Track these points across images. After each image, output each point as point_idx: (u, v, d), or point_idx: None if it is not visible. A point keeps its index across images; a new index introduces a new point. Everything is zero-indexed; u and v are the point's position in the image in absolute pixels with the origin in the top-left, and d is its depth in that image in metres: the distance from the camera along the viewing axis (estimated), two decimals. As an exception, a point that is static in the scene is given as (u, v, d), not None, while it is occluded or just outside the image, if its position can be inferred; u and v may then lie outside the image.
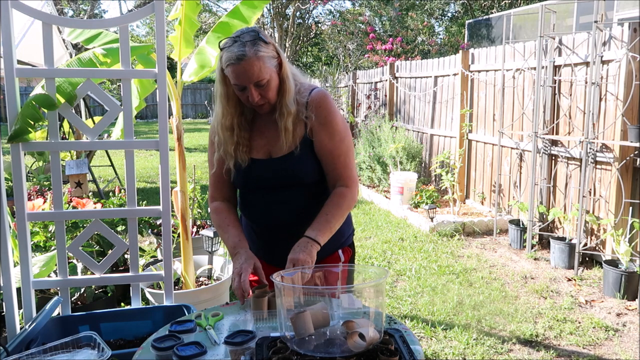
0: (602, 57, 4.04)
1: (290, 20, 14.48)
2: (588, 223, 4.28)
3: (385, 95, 8.45)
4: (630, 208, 3.88)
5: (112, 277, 2.42)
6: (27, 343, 1.83)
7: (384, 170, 7.15)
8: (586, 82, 4.26)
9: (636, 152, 3.92)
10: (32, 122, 2.07)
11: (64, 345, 1.64)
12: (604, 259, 3.99)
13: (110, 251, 2.67)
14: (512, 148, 5.33)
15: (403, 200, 6.23)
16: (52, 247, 3.09)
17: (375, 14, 14.00)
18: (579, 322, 3.34)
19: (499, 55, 5.47)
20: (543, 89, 4.66)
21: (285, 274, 1.43)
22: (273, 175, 1.68)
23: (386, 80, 8.33)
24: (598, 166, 4.21)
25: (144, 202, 4.73)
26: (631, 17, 6.33)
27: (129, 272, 2.31)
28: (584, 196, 4.15)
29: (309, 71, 16.33)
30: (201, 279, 3.45)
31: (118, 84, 13.14)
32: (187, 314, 2.11)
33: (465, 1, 13.58)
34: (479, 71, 5.88)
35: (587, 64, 4.26)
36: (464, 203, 6.28)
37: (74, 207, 3.51)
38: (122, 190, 4.36)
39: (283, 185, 1.68)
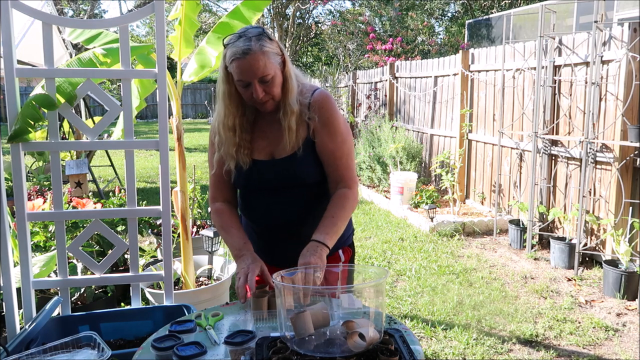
0: (602, 57, 4.04)
1: (290, 20, 14.49)
2: (588, 223, 4.28)
3: (385, 95, 8.45)
4: (630, 208, 3.88)
5: (112, 277, 2.42)
6: (27, 343, 1.83)
7: (384, 170, 7.15)
8: (586, 82, 4.26)
9: (636, 152, 3.92)
10: (32, 122, 2.07)
11: (64, 345, 1.64)
12: (604, 259, 3.99)
13: (110, 251, 2.67)
14: (512, 148, 5.33)
15: (403, 200, 6.23)
16: (52, 247, 3.09)
17: (375, 14, 14.00)
18: (579, 322, 3.34)
19: (499, 55, 5.47)
20: (543, 89, 4.66)
21: (285, 274, 1.42)
22: (275, 177, 1.67)
23: (386, 80, 8.33)
24: (598, 166, 4.21)
25: (144, 202, 4.73)
26: (631, 17, 6.33)
27: (129, 272, 2.31)
28: (584, 196, 4.16)
29: (309, 71, 16.33)
30: (201, 279, 3.45)
31: (118, 84, 13.15)
32: (187, 314, 2.11)
33: (465, 1, 13.58)
34: (479, 71, 5.88)
35: (587, 64, 4.26)
36: (464, 203, 6.28)
37: (74, 207, 3.51)
38: (122, 190, 4.36)
39: (285, 186, 1.68)
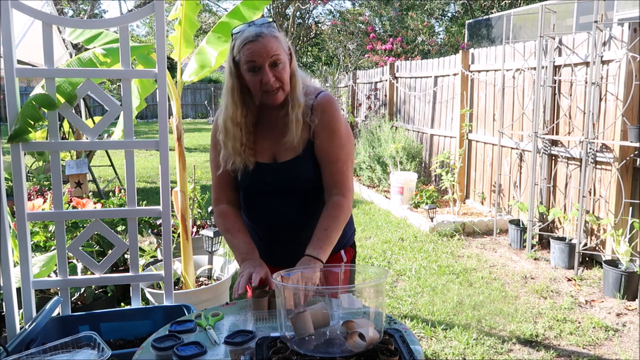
0: (602, 57, 4.04)
1: (290, 20, 14.49)
2: (588, 223, 4.28)
3: (385, 95, 8.45)
4: (630, 208, 3.88)
5: (112, 277, 2.42)
6: (27, 343, 1.83)
7: (384, 170, 7.15)
8: (586, 82, 4.26)
9: (636, 152, 3.92)
10: (32, 122, 2.07)
11: (64, 345, 1.64)
12: (604, 259, 3.99)
13: (110, 251, 2.67)
14: (512, 148, 5.34)
15: (403, 200, 6.23)
16: (52, 247, 3.09)
17: (375, 14, 14.00)
18: (579, 322, 3.34)
19: (499, 55, 5.47)
20: (543, 89, 4.66)
21: (285, 274, 1.42)
22: (277, 180, 1.67)
23: (386, 80, 8.33)
24: (598, 166, 4.21)
25: (144, 202, 4.73)
26: (631, 17, 6.33)
27: (129, 272, 2.31)
28: (584, 196, 4.16)
29: (309, 71, 16.33)
30: (201, 279, 3.45)
31: (118, 84, 13.15)
32: (187, 314, 2.11)
33: (465, 1, 13.59)
34: (479, 71, 5.88)
35: (587, 64, 4.26)
36: (464, 203, 6.28)
37: (74, 207, 3.51)
38: (122, 190, 4.36)
39: (287, 189, 1.67)
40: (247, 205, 1.76)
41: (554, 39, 4.61)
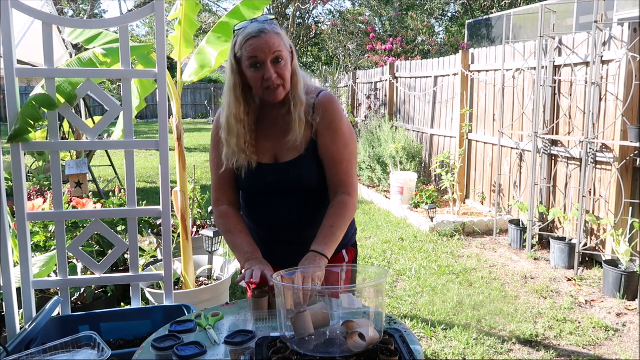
0: (602, 57, 4.04)
1: (290, 20, 14.49)
2: (588, 223, 4.28)
3: (385, 95, 8.45)
4: (630, 208, 3.88)
5: (112, 277, 2.42)
6: (27, 343, 1.83)
7: (384, 170, 7.15)
8: (586, 82, 4.26)
9: (636, 152, 3.92)
10: (32, 122, 2.07)
11: (64, 345, 1.64)
12: (604, 259, 3.99)
13: (110, 251, 2.67)
14: (512, 148, 5.34)
15: (403, 200, 6.23)
16: (52, 247, 3.09)
17: (375, 14, 14.00)
18: (579, 322, 3.34)
19: (499, 55, 5.47)
20: (543, 89, 4.66)
21: (285, 274, 1.42)
22: (279, 180, 1.66)
23: (386, 80, 8.33)
24: (598, 166, 4.21)
25: (144, 202, 4.73)
26: (631, 17, 6.33)
27: (129, 272, 2.31)
28: (584, 196, 4.16)
29: (309, 71, 16.34)
30: (201, 279, 3.45)
31: (118, 84, 13.15)
32: (187, 314, 2.11)
33: (465, 1, 13.59)
34: (479, 71, 5.88)
35: (587, 64, 4.26)
36: (464, 203, 6.28)
37: (74, 207, 3.51)
38: (122, 190, 4.36)
39: (288, 189, 1.67)
40: (247, 205, 1.76)
41: (554, 39, 4.61)
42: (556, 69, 4.62)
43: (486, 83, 5.75)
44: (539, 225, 4.83)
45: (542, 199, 4.87)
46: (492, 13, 11.90)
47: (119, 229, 3.68)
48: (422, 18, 13.15)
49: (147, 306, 2.51)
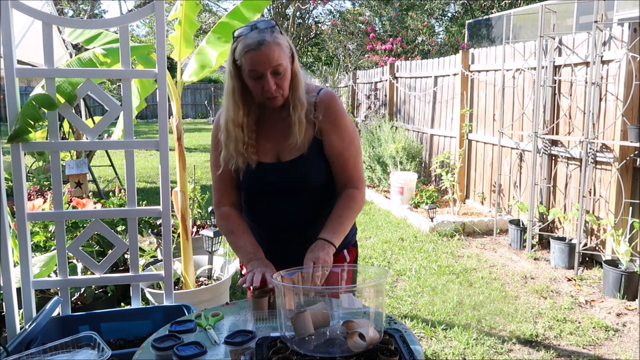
0: (602, 57, 4.04)
1: (290, 20, 14.49)
2: (588, 223, 4.28)
3: (385, 95, 8.45)
4: (630, 208, 3.88)
5: (112, 277, 2.42)
6: (27, 343, 1.83)
7: (384, 170, 7.15)
8: (586, 82, 4.26)
9: (636, 152, 3.92)
10: (32, 122, 2.07)
11: (64, 345, 1.64)
12: (604, 259, 3.99)
13: (110, 251, 2.67)
14: (512, 148, 5.34)
15: (403, 200, 6.23)
16: (52, 247, 3.09)
17: (375, 14, 14.00)
18: (579, 322, 3.34)
19: (499, 55, 5.47)
20: (543, 89, 4.66)
21: (285, 274, 1.42)
22: (281, 179, 1.66)
23: (386, 80, 8.33)
24: (598, 166, 4.21)
25: (144, 202, 4.73)
26: (631, 17, 6.33)
27: (129, 272, 2.31)
28: (584, 196, 4.16)
29: (309, 71, 16.34)
30: (201, 279, 3.45)
31: (118, 84, 13.15)
32: (187, 314, 2.11)
33: (465, 1, 13.59)
34: (479, 71, 5.88)
35: (587, 64, 4.26)
36: (464, 203, 6.28)
37: (74, 207, 3.51)
38: (122, 190, 4.36)
39: (289, 189, 1.67)
40: (248, 204, 1.76)
41: (554, 39, 4.61)
42: (556, 69, 4.62)
43: (486, 83, 5.75)
44: (539, 225, 4.83)
45: (542, 199, 4.87)
46: (492, 13, 11.90)
47: (119, 229, 3.68)
48: (422, 18, 13.15)
49: (147, 306, 2.51)
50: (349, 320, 1.26)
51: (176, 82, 2.99)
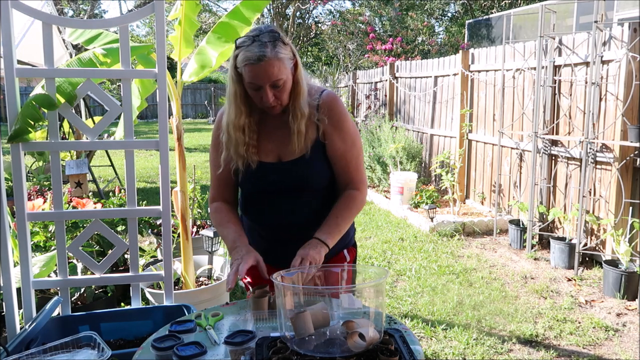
0: (602, 57, 4.04)
1: (290, 20, 14.49)
2: (588, 223, 4.28)
3: (385, 95, 8.45)
4: (630, 208, 3.88)
5: (112, 277, 2.42)
6: (27, 343, 1.83)
7: (384, 170, 7.15)
8: (586, 82, 4.26)
9: (636, 152, 3.92)
10: (32, 122, 2.07)
11: (64, 345, 1.64)
12: (604, 259, 3.99)
13: (110, 251, 2.67)
14: (512, 148, 5.34)
15: (403, 200, 6.23)
16: (52, 247, 3.09)
17: (375, 14, 14.00)
18: (579, 322, 3.34)
19: (499, 55, 5.47)
20: (543, 89, 4.66)
21: (285, 274, 1.42)
22: (282, 179, 1.66)
23: (386, 80, 8.33)
24: (598, 166, 4.21)
25: (144, 202, 4.73)
26: (631, 17, 6.33)
27: (129, 272, 2.31)
28: (584, 196, 4.16)
29: (309, 71, 16.34)
30: (201, 279, 3.45)
31: (118, 84, 13.14)
32: (187, 314, 2.11)
33: (465, 1, 13.59)
34: (479, 71, 5.88)
35: (587, 64, 4.26)
36: (464, 203, 6.28)
37: (74, 207, 3.51)
38: (122, 190, 4.36)
39: (291, 189, 1.67)
40: (249, 204, 1.76)
41: (554, 39, 4.61)
42: (556, 69, 4.62)
43: (486, 83, 5.75)
44: (539, 225, 4.83)
45: (542, 199, 4.87)
46: (492, 13, 11.90)
47: (119, 229, 3.68)
48: (422, 18, 13.15)
49: (147, 306, 2.51)
50: (349, 320, 1.26)
51: (176, 82, 2.99)
